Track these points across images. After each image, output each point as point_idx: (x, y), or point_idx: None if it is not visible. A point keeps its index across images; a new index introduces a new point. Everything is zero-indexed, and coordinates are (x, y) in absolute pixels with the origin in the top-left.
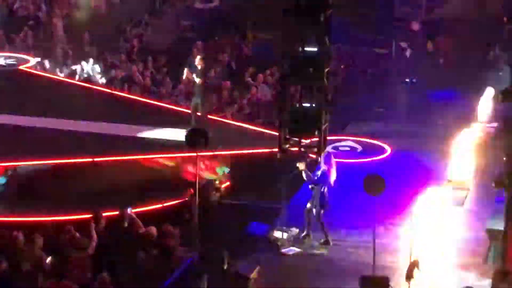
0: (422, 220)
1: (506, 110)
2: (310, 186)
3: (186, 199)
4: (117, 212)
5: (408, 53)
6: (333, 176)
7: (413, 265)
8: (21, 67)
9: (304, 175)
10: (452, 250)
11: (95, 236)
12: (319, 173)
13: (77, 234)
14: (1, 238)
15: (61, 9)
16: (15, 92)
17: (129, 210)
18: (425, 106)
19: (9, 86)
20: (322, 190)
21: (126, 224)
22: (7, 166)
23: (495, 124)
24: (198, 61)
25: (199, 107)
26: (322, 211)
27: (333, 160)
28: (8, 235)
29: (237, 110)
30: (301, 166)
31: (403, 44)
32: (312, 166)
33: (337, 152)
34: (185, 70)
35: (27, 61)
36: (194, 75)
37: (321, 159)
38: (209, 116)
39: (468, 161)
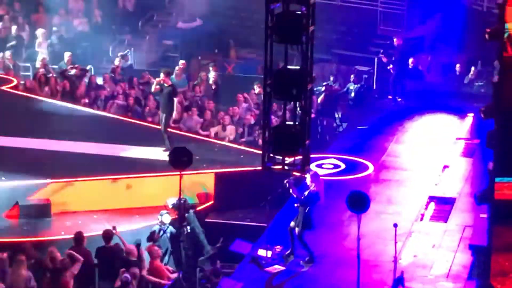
0: (406, 235)
1: (487, 127)
2: (295, 205)
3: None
4: (101, 232)
5: (390, 69)
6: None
7: (398, 281)
8: (3, 88)
9: (292, 192)
10: (436, 265)
11: (79, 256)
12: (306, 193)
13: (58, 254)
14: None
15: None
16: None
17: (113, 230)
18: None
19: None
20: (306, 210)
21: (110, 243)
22: None
23: (476, 140)
24: (161, 77)
25: (162, 121)
26: (304, 231)
27: (320, 179)
28: None
29: (221, 129)
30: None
31: (384, 59)
32: (297, 183)
33: (321, 170)
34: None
35: (9, 82)
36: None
37: (308, 179)
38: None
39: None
